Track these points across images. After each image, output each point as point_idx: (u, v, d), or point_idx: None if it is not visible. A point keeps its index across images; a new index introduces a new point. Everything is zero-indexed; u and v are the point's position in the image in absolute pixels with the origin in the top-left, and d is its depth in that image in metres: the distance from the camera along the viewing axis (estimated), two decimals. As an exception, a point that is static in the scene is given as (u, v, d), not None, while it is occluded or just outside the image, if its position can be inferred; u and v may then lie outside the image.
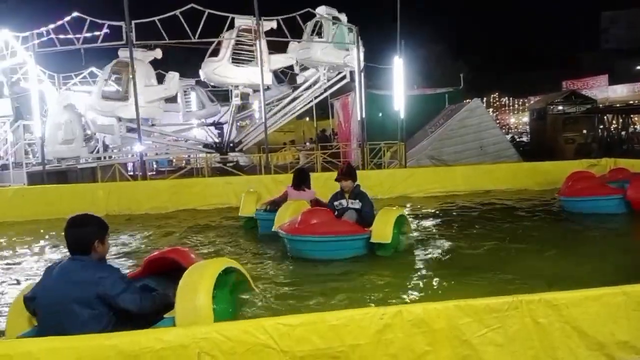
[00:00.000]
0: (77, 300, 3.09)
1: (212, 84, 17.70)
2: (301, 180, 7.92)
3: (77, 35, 14.30)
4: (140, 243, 8.27)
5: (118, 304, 3.13)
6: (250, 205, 8.37)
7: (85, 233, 3.28)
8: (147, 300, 3.28)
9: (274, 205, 7.68)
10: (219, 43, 15.65)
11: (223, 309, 3.41)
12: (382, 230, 6.16)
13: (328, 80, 17.05)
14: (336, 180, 6.92)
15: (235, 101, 16.74)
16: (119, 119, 15.73)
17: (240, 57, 15.77)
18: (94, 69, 18.52)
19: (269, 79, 16.06)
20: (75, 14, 14.08)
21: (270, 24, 15.22)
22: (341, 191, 6.86)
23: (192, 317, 3.11)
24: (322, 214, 6.49)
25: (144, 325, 3.11)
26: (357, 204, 6.65)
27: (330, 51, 16.10)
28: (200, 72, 16.34)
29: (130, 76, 14.30)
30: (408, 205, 11.10)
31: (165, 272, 4.01)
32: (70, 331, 2.96)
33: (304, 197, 7.66)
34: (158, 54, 15.90)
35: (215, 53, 15.81)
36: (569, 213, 9.02)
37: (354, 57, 15.81)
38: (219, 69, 15.68)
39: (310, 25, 16.34)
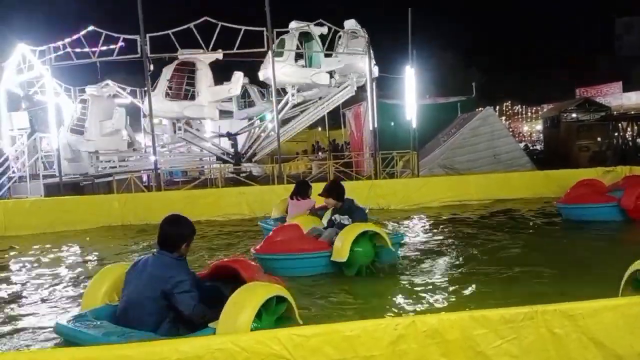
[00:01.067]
0: (147, 290, 3.48)
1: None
2: (297, 191, 7.94)
3: (93, 49, 14.51)
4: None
5: (175, 303, 3.46)
6: (278, 210, 8.60)
7: (178, 233, 3.68)
8: (199, 309, 3.49)
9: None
10: (282, 41, 16.05)
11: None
12: (339, 248, 5.86)
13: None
14: (319, 195, 6.76)
15: (292, 99, 16.99)
16: (177, 120, 16.09)
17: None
18: (109, 81, 18.79)
19: (326, 79, 16.46)
20: (91, 27, 14.30)
21: (322, 29, 15.95)
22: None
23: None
24: (289, 231, 6.44)
25: (192, 328, 3.42)
26: (346, 220, 6.34)
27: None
28: (260, 73, 16.71)
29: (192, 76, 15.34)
30: (421, 215, 11.08)
31: (229, 278, 4.07)
32: (136, 317, 3.45)
33: (302, 206, 7.70)
34: (219, 55, 16.18)
35: (280, 54, 16.13)
36: (567, 220, 9.17)
37: (357, 65, 16.02)
38: (284, 68, 15.96)
39: (345, 36, 16.62)
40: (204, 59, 16.18)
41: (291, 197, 7.97)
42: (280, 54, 16.08)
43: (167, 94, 16.10)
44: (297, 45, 16.45)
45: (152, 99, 15.43)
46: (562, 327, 2.89)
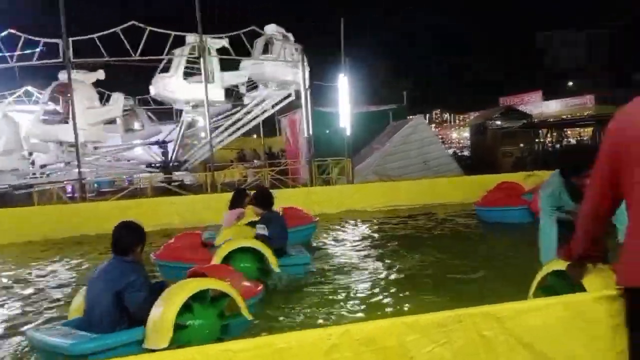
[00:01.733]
0: (103, 294, 3.69)
1: (161, 99, 17.34)
2: (231, 200, 7.75)
3: (11, 53, 13.70)
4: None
5: (125, 302, 3.67)
6: None
7: (130, 238, 3.87)
8: (145, 308, 3.62)
9: None
10: (169, 60, 15.40)
11: (200, 325, 3.72)
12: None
13: (275, 98, 17.07)
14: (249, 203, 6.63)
15: (187, 117, 16.47)
16: (60, 143, 15.18)
17: (191, 73, 15.62)
18: (29, 87, 17.78)
19: (221, 95, 15.97)
20: (9, 30, 13.50)
21: (221, 42, 15.13)
22: None
23: (154, 327, 3.50)
24: (186, 239, 6.51)
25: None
26: (262, 230, 5.98)
27: (280, 68, 16.13)
28: (151, 87, 16.02)
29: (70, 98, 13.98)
30: (354, 220, 11.19)
31: None
32: (96, 320, 3.69)
33: (231, 216, 7.43)
34: (101, 75, 15.48)
35: (166, 69, 15.56)
36: (484, 223, 9.67)
37: (300, 75, 15.95)
38: (171, 85, 15.39)
39: (260, 42, 16.37)
40: (84, 79, 15.37)
41: (229, 207, 7.72)
42: (167, 69, 15.59)
43: (44, 119, 15.22)
44: (189, 60, 15.78)
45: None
46: (491, 329, 2.94)
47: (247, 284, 4.71)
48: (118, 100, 15.79)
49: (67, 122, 14.76)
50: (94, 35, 13.36)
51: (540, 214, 4.25)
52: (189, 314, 3.71)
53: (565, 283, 3.74)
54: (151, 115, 20.14)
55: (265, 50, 16.47)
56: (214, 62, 15.40)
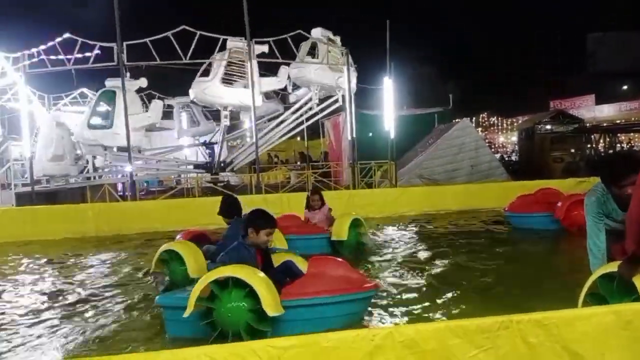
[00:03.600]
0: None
1: (200, 103, 17.71)
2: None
3: (68, 56, 14.31)
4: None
5: None
6: None
7: (248, 219, 4.57)
8: None
9: None
10: (210, 64, 15.75)
11: (225, 308, 4.13)
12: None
13: (320, 101, 17.11)
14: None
15: (225, 122, 16.78)
16: (104, 148, 15.82)
17: (231, 78, 15.87)
18: (84, 89, 18.55)
19: (259, 100, 16.13)
20: (66, 35, 14.11)
21: (262, 48, 15.33)
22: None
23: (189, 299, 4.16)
24: None
25: None
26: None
27: (324, 72, 16.19)
28: (190, 91, 16.39)
29: (112, 107, 15.12)
30: (397, 224, 11.13)
31: None
32: None
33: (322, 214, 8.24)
34: (143, 82, 15.95)
35: (205, 73, 15.89)
36: (514, 228, 9.82)
37: (345, 79, 15.97)
38: (209, 89, 15.74)
39: (305, 45, 16.47)
40: (128, 87, 15.84)
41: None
42: (206, 74, 15.83)
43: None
44: (228, 65, 16.02)
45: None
46: (536, 337, 2.91)
47: (353, 279, 4.73)
48: (157, 107, 16.26)
49: (110, 128, 15.40)
50: (147, 40, 13.80)
51: (586, 221, 4.17)
52: (222, 294, 4.17)
53: (613, 287, 3.66)
54: (207, 113, 20.63)
55: (311, 54, 16.54)
56: (254, 66, 15.67)
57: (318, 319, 4.35)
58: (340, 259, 5.16)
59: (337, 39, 16.82)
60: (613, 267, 3.71)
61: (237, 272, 4.14)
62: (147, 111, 16.43)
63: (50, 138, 15.29)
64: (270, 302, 4.04)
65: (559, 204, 9.15)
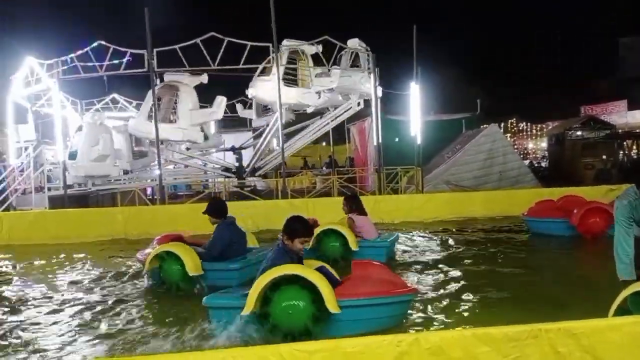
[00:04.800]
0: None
1: (258, 102, 17.89)
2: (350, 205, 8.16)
3: (100, 63, 14.64)
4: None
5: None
6: None
7: (285, 227, 4.76)
8: None
9: None
10: (269, 61, 15.95)
11: (285, 306, 4.30)
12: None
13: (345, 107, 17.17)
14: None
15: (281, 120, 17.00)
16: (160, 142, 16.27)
17: (289, 78, 16.12)
18: (115, 95, 18.93)
19: (315, 99, 16.38)
20: (98, 42, 14.45)
21: (312, 48, 15.68)
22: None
23: (248, 299, 4.34)
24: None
25: None
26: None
27: (366, 81, 16.32)
28: (249, 90, 16.60)
29: (175, 99, 15.52)
30: (424, 231, 11.05)
31: None
32: None
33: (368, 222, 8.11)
34: (204, 79, 16.19)
35: (264, 72, 16.10)
36: (532, 233, 9.99)
37: (357, 83, 16.15)
38: (270, 88, 15.93)
39: (346, 55, 16.64)
40: (188, 82, 16.18)
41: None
42: (267, 73, 16.01)
43: (149, 117, 16.10)
44: (287, 64, 16.31)
45: (137, 120, 15.58)
46: (566, 346, 2.87)
47: (394, 282, 4.96)
48: (221, 103, 16.53)
49: (171, 122, 15.76)
50: (176, 46, 14.04)
51: (615, 225, 4.07)
52: (277, 295, 4.34)
53: None
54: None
55: (355, 64, 16.76)
56: (311, 68, 16.00)
57: (367, 320, 4.53)
58: (380, 263, 5.41)
59: (353, 41, 16.97)
60: None
61: (300, 270, 4.37)
62: (210, 107, 16.72)
63: (97, 138, 15.62)
64: (332, 300, 4.26)
65: (575, 210, 9.23)
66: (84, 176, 15.71)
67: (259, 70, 16.03)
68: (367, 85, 16.28)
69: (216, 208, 6.91)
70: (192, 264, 6.28)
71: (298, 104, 16.64)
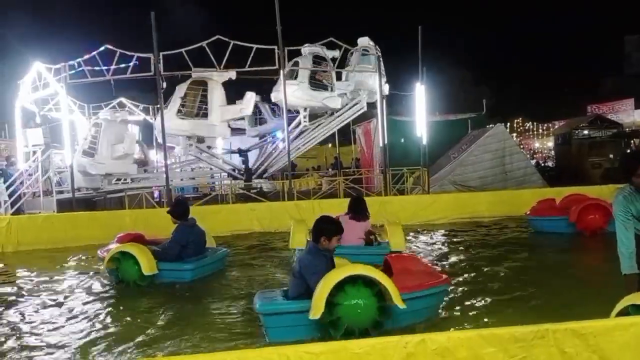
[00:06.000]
0: (296, 269, 4.76)
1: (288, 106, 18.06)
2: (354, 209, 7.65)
3: (107, 67, 14.72)
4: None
5: (306, 279, 4.60)
6: (301, 235, 7.79)
7: (318, 229, 4.77)
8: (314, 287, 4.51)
9: None
10: (296, 64, 16.20)
11: (353, 305, 4.42)
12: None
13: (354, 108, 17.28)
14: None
15: (304, 122, 17.07)
16: (188, 137, 16.45)
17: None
18: (122, 99, 19.01)
19: (338, 102, 16.69)
20: (105, 46, 14.53)
21: (333, 53, 16.03)
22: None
23: (314, 302, 4.36)
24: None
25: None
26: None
27: (303, 93, 16.45)
28: (273, 94, 16.71)
29: (203, 95, 15.86)
30: (430, 231, 11.04)
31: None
32: (290, 289, 4.81)
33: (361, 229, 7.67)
34: (233, 75, 16.29)
35: (291, 76, 16.22)
36: (535, 231, 10.21)
37: (368, 83, 16.22)
38: (297, 91, 16.14)
39: (357, 54, 16.82)
40: (217, 78, 16.36)
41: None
42: (294, 76, 16.22)
43: (179, 112, 16.26)
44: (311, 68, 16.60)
45: (165, 116, 15.61)
46: (573, 346, 2.87)
47: (431, 274, 5.27)
48: (251, 100, 16.62)
49: (204, 117, 15.98)
50: (182, 50, 14.11)
51: (615, 221, 4.11)
52: (343, 295, 4.42)
53: None
54: (275, 109, 20.92)
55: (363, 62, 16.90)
56: (333, 71, 16.29)
57: (416, 311, 4.76)
58: (412, 255, 5.73)
59: (363, 40, 17.08)
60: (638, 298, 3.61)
61: (365, 270, 4.51)
62: (238, 103, 16.84)
63: (119, 135, 15.71)
64: (398, 296, 4.46)
65: (573, 208, 9.52)
66: (103, 174, 15.81)
67: (282, 74, 16.11)
68: (376, 82, 16.35)
69: (177, 209, 7.31)
70: (147, 264, 6.70)
71: (323, 106, 16.89)
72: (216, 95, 16.17)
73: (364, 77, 16.71)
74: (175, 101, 16.36)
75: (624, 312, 3.67)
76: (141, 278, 6.78)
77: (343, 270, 4.51)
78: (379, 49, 16.78)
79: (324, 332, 4.48)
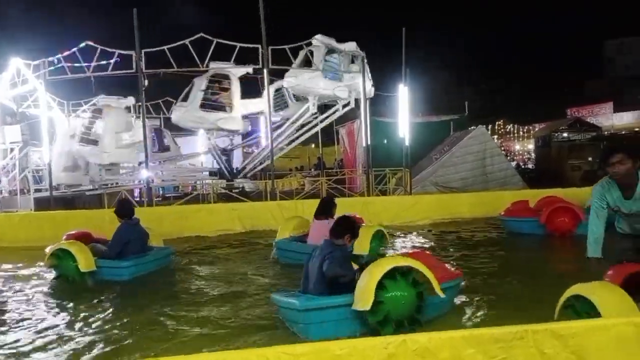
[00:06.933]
0: (317, 266, 4.78)
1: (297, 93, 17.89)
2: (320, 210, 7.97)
3: (88, 64, 14.51)
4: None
5: (325, 271, 4.68)
6: (284, 232, 8.47)
7: (342, 227, 5.01)
8: (333, 271, 4.65)
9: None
10: (310, 53, 16.22)
11: (396, 296, 4.46)
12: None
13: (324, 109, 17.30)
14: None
15: (313, 109, 17.04)
16: (210, 131, 16.60)
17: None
18: (103, 96, 18.75)
19: (346, 93, 16.58)
20: (86, 42, 14.32)
21: (246, 69, 15.95)
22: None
23: (361, 293, 4.37)
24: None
25: (341, 292, 4.58)
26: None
27: (318, 81, 16.34)
28: (287, 80, 16.52)
29: (221, 88, 15.90)
30: (412, 232, 11.08)
31: None
32: (311, 286, 4.84)
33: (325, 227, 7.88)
34: (250, 69, 16.17)
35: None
36: (509, 232, 10.39)
37: (355, 84, 16.08)
38: (313, 80, 16.24)
39: (302, 53, 16.60)
40: (234, 72, 16.30)
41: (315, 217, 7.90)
42: (309, 65, 16.33)
43: (202, 105, 16.11)
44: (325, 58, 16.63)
45: (186, 109, 15.46)
46: (552, 347, 2.88)
47: (446, 269, 5.48)
48: (272, 95, 16.56)
49: (227, 111, 15.93)
50: (165, 47, 13.96)
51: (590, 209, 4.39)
52: (385, 287, 4.47)
53: (584, 304, 3.79)
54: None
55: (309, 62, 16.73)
56: (342, 63, 16.37)
57: (440, 303, 4.87)
58: (427, 252, 5.95)
59: (350, 45, 16.90)
60: (583, 289, 3.82)
61: (410, 261, 4.61)
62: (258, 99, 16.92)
63: (125, 123, 15.51)
64: (438, 287, 4.61)
65: (544, 209, 9.70)
66: (108, 163, 15.60)
67: (296, 63, 16.24)
68: (321, 86, 16.44)
69: (122, 209, 7.61)
70: (84, 261, 6.98)
71: (333, 96, 16.82)
72: (236, 88, 16.08)
73: (312, 81, 16.53)
74: (197, 94, 16.26)
75: (568, 305, 3.91)
76: (79, 275, 7.01)
77: (389, 261, 4.63)
78: (362, 52, 16.78)
79: (365, 326, 4.49)
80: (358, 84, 16.50)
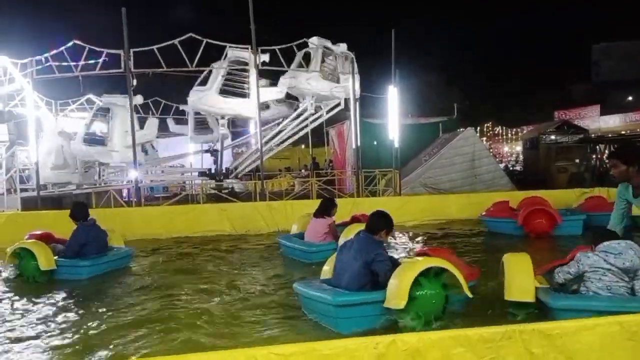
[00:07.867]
0: (354, 260, 4.79)
1: (200, 112, 17.83)
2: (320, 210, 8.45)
3: (76, 63, 14.39)
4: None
5: (374, 269, 4.74)
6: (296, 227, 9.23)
7: (381, 222, 5.08)
8: (389, 274, 4.61)
9: None
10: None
11: (427, 295, 4.52)
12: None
13: (318, 109, 17.24)
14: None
15: (222, 130, 16.86)
16: (221, 117, 16.41)
17: (229, 87, 16.00)
18: (91, 95, 18.62)
19: (342, 94, 16.59)
20: (74, 41, 14.19)
21: (263, 57, 15.46)
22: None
23: (395, 292, 4.43)
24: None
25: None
26: None
27: (316, 82, 16.34)
28: (286, 80, 16.47)
29: (250, 76, 15.55)
30: (401, 233, 11.12)
31: None
32: (345, 280, 4.81)
33: (322, 225, 8.39)
34: (267, 57, 15.97)
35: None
36: (489, 233, 10.58)
37: (348, 86, 16.03)
38: (311, 80, 16.13)
39: (299, 55, 16.62)
40: (256, 63, 16.18)
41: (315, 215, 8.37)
42: (306, 66, 16.34)
43: (223, 91, 15.95)
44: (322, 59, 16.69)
45: (203, 94, 15.22)
46: (540, 347, 2.91)
47: (467, 267, 5.56)
48: (285, 84, 16.44)
49: (246, 97, 15.75)
50: (154, 47, 13.87)
51: None
52: (419, 286, 4.51)
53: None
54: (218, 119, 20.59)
55: (307, 63, 16.73)
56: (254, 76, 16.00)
57: (459, 302, 4.90)
58: (448, 249, 6.02)
59: (343, 47, 16.91)
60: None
61: (443, 262, 4.68)
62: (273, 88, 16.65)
63: (50, 148, 15.30)
64: (466, 287, 4.67)
65: (521, 210, 9.88)
66: (44, 184, 15.39)
67: (294, 64, 16.30)
68: (318, 87, 16.48)
69: (76, 212, 7.78)
70: (44, 260, 7.15)
71: (330, 96, 16.85)
72: (254, 76, 15.89)
73: (310, 82, 16.58)
74: (216, 79, 15.95)
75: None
76: (39, 273, 7.19)
77: (423, 261, 4.66)
78: (353, 55, 16.81)
79: (394, 323, 4.52)
80: (345, 84, 16.55)
